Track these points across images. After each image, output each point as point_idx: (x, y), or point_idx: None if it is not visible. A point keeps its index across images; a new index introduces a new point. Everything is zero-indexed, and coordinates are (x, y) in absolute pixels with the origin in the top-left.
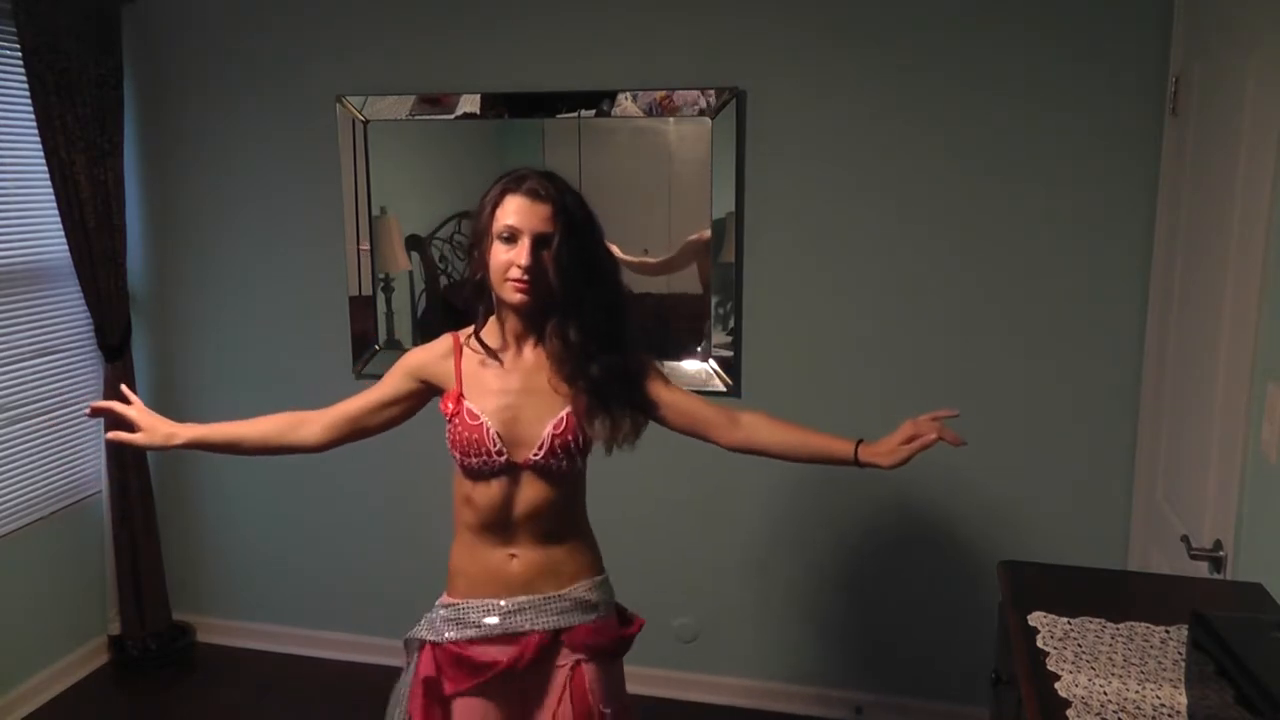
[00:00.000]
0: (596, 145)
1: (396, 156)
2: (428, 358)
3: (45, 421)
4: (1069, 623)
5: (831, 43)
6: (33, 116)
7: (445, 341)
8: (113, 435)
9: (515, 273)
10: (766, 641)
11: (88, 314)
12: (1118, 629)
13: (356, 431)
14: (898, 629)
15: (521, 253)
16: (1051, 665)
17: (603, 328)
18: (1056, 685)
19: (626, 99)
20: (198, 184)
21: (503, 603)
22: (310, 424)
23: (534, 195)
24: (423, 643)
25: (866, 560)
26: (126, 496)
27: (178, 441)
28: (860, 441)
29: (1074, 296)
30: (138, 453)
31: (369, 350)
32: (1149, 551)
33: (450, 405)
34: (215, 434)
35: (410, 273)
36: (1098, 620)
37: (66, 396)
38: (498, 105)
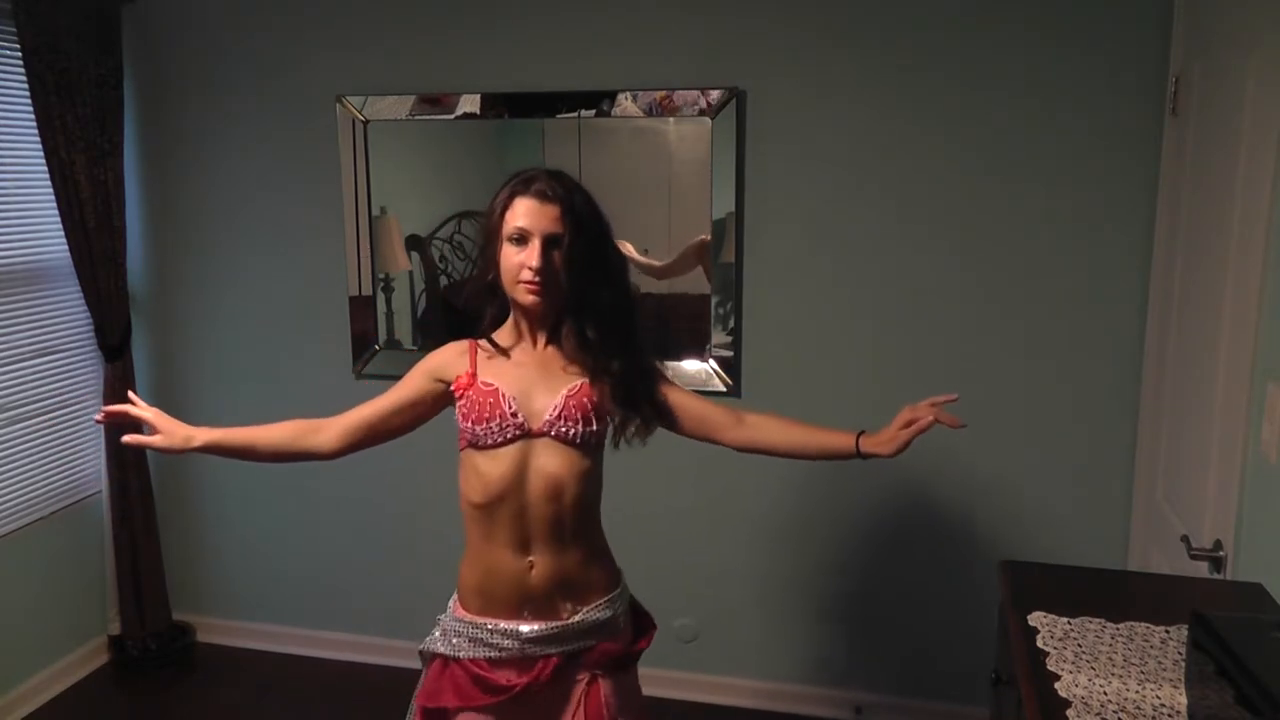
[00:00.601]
0: (596, 145)
1: (396, 156)
2: (446, 357)
3: (45, 421)
4: (1069, 623)
5: (831, 43)
6: (33, 116)
7: (460, 344)
8: (130, 438)
9: (527, 275)
10: (767, 641)
11: (88, 314)
12: (1118, 629)
13: (372, 436)
14: (898, 629)
15: (532, 254)
16: (1051, 665)
17: (615, 326)
18: (1056, 685)
19: (626, 99)
20: (198, 184)
21: (523, 629)
22: (325, 430)
23: (542, 196)
24: (434, 655)
25: (866, 560)
26: (126, 496)
27: (195, 444)
28: (862, 433)
29: (1074, 296)
30: (138, 453)
31: (369, 350)
32: (1149, 551)
33: (464, 380)
34: (231, 438)
35: (410, 273)
36: (1098, 620)
37: (66, 396)
38: (498, 105)
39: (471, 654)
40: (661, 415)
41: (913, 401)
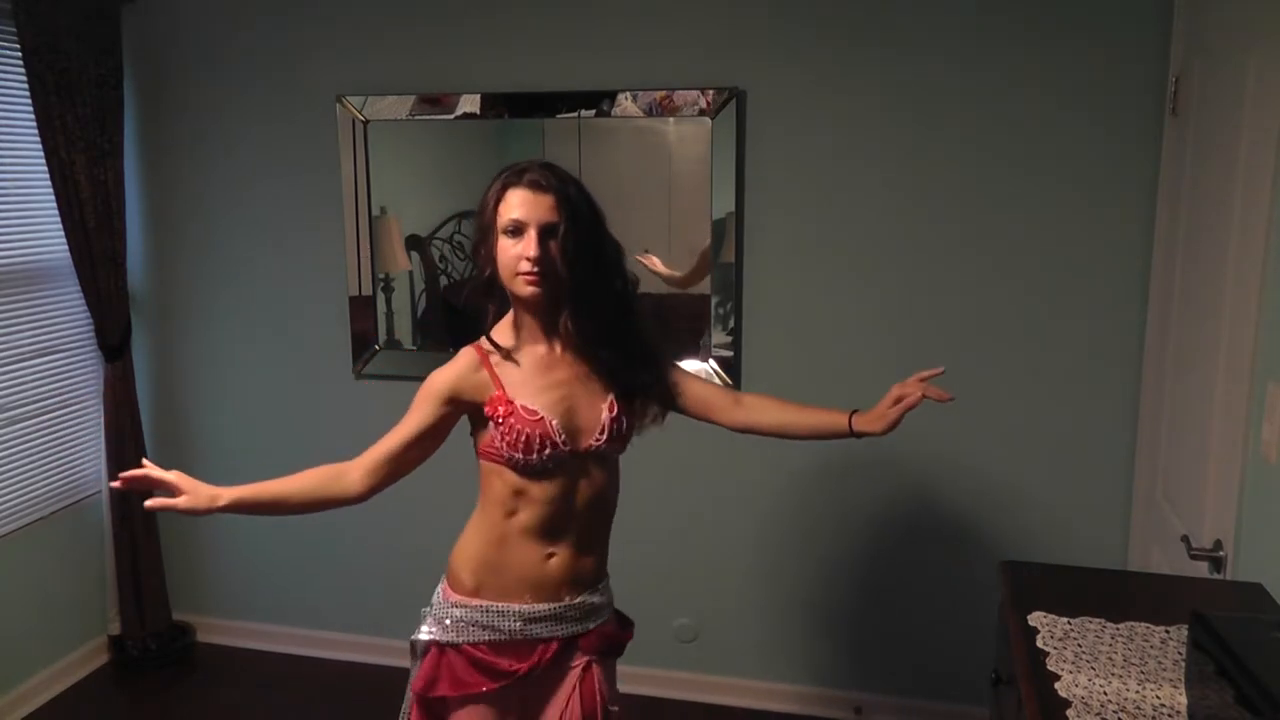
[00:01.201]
0: (596, 145)
1: (396, 156)
2: (454, 378)
3: (45, 421)
4: (1069, 623)
5: (832, 43)
6: (33, 116)
7: (468, 356)
8: (154, 503)
9: (525, 265)
10: (766, 641)
11: (88, 314)
12: (1118, 629)
13: (397, 471)
14: (898, 629)
15: (529, 245)
16: (1051, 665)
17: (614, 314)
18: (1056, 685)
19: (626, 99)
20: (198, 184)
21: (525, 609)
22: (349, 473)
23: (536, 187)
24: (430, 645)
25: (866, 560)
26: (126, 496)
27: (221, 503)
28: (854, 412)
29: (1074, 296)
30: (137, 453)
31: (369, 350)
32: (1149, 551)
33: (500, 408)
34: (258, 494)
35: (410, 273)
36: (1098, 620)
37: (66, 396)
38: (498, 105)
39: (473, 638)
40: (671, 398)
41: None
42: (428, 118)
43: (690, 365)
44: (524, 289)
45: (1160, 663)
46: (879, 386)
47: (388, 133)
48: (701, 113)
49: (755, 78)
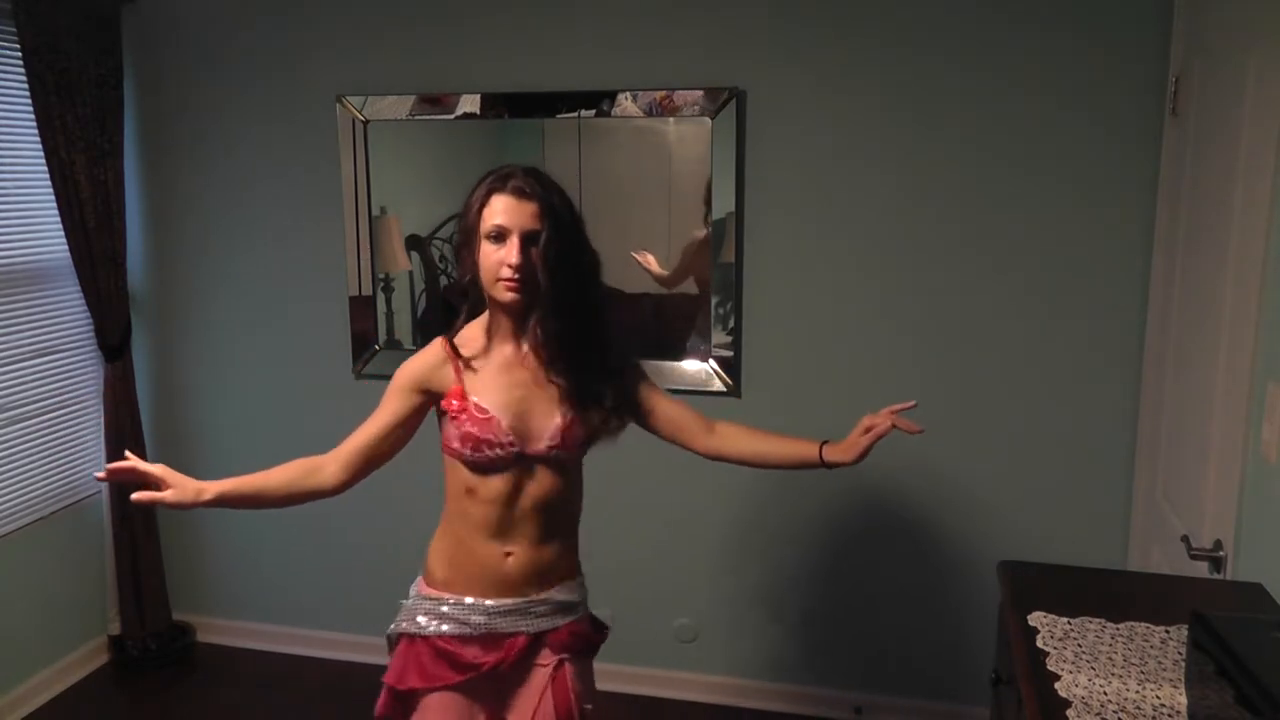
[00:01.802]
0: (596, 145)
1: (396, 156)
2: (423, 368)
3: (45, 421)
4: (1069, 623)
5: (831, 42)
6: (33, 116)
7: (436, 348)
8: (140, 496)
9: (506, 272)
10: (766, 641)
11: (88, 314)
12: (1118, 629)
13: (372, 462)
14: (898, 629)
15: (511, 251)
16: (1051, 665)
17: (585, 323)
18: (1056, 685)
19: (626, 99)
20: (198, 184)
21: (489, 603)
22: (326, 467)
23: (520, 194)
24: (400, 636)
25: (866, 560)
26: (126, 497)
27: (206, 497)
28: (825, 442)
29: (1074, 296)
30: (137, 453)
31: (369, 350)
32: (1149, 551)
33: (455, 402)
34: (241, 487)
35: (410, 273)
36: (1098, 620)
37: (66, 396)
38: (498, 105)
39: (438, 630)
40: (632, 413)
41: (912, 397)
42: (428, 118)
43: (690, 365)
44: (504, 295)
45: (1160, 663)
46: (879, 386)
47: (388, 133)
48: (701, 113)
49: (755, 78)
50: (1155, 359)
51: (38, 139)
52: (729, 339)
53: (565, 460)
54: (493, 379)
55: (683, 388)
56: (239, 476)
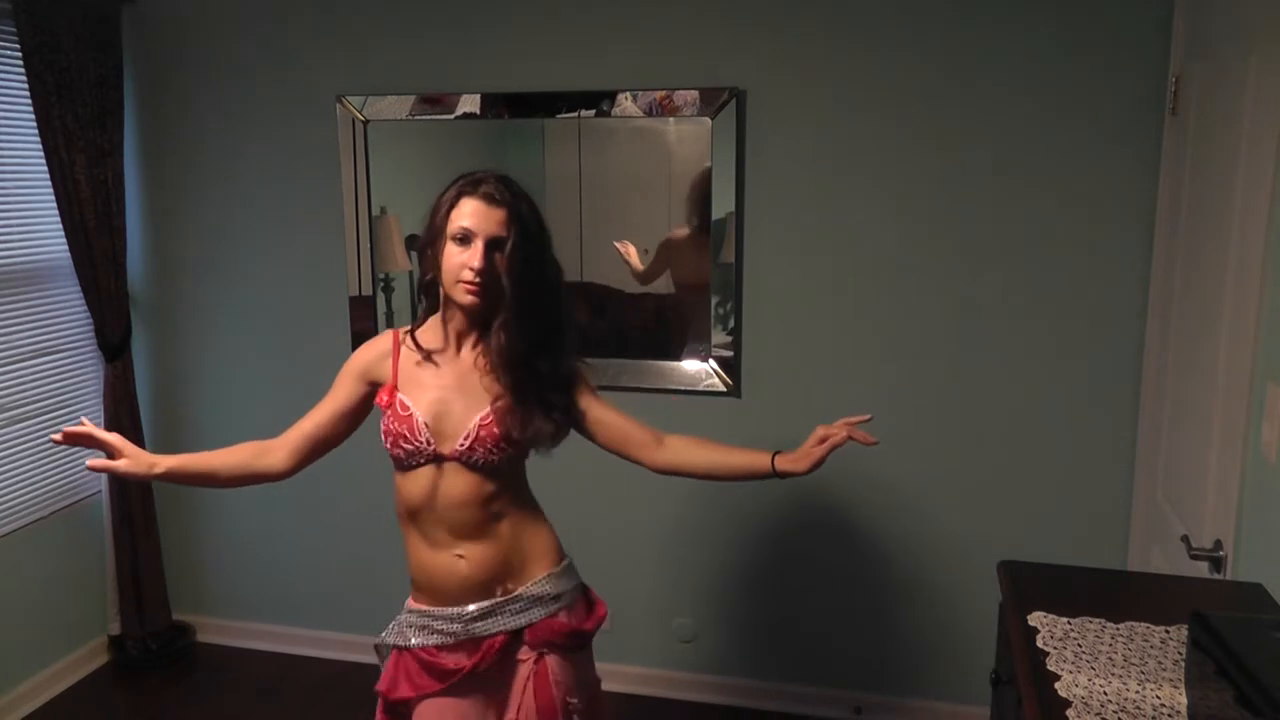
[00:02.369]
0: (596, 145)
1: (396, 156)
2: (370, 358)
3: (45, 421)
4: (1069, 623)
5: (831, 43)
6: (33, 116)
7: (385, 340)
8: (96, 464)
9: (468, 275)
10: (766, 641)
11: (88, 314)
12: (1118, 629)
13: (320, 448)
14: (898, 629)
15: (475, 255)
16: (1051, 665)
17: (542, 333)
18: (1056, 685)
19: (626, 99)
20: (198, 184)
21: (470, 608)
22: (274, 451)
23: (489, 199)
24: (390, 648)
25: (866, 560)
26: (126, 496)
27: (159, 470)
28: (777, 452)
29: (1074, 296)
30: None
31: None
32: (1149, 551)
33: (384, 397)
34: (191, 464)
35: (410, 273)
36: (1098, 620)
37: (66, 396)
38: (498, 105)
39: (421, 641)
40: (577, 425)
41: (912, 401)
42: (428, 118)
43: (690, 365)
44: (464, 297)
45: (1160, 663)
46: (879, 386)
47: (388, 133)
48: (701, 113)
49: (755, 78)
50: (1155, 359)
51: (38, 139)
52: (729, 339)
53: (482, 463)
54: (424, 377)
55: (682, 388)
56: (191, 454)
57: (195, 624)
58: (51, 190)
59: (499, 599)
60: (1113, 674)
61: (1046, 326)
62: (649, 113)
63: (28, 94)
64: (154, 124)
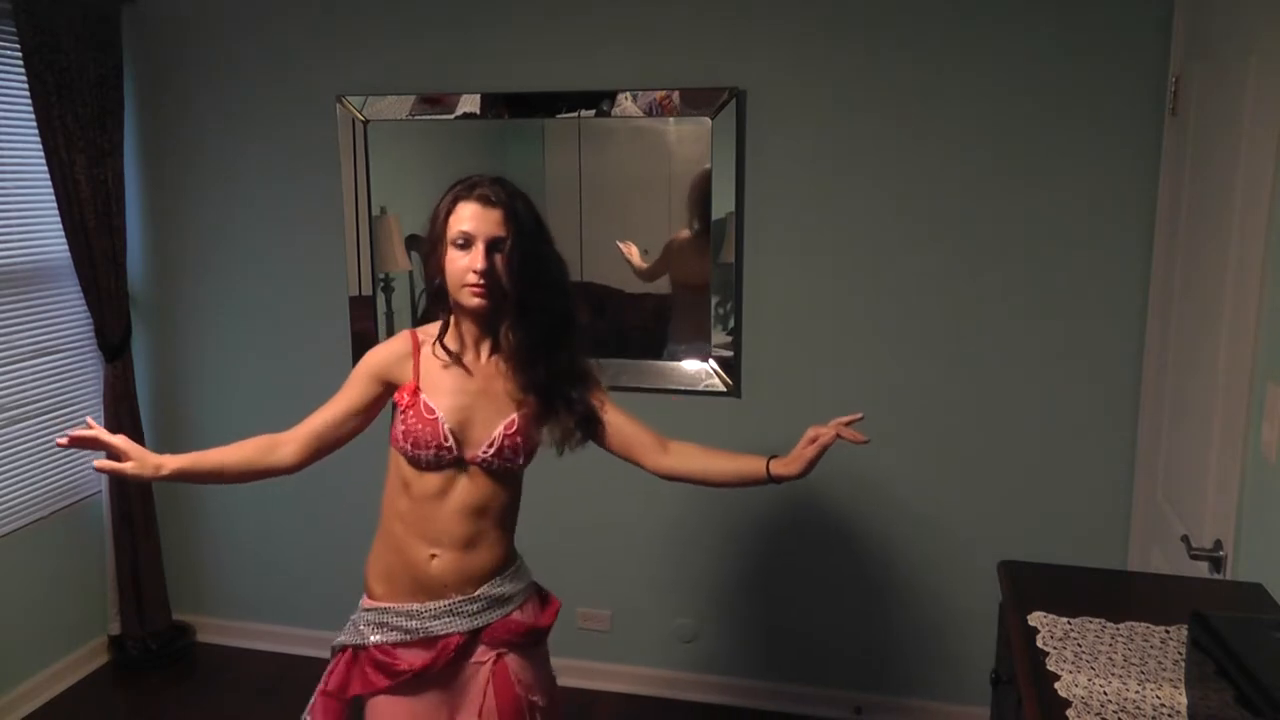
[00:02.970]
0: (596, 145)
1: (396, 156)
2: (387, 358)
3: (45, 421)
4: (1069, 623)
5: (832, 43)
6: (33, 116)
7: (404, 340)
8: (102, 465)
9: (471, 278)
10: (766, 641)
11: (88, 314)
12: (1118, 629)
13: (328, 445)
14: (898, 629)
15: (476, 258)
16: (1051, 665)
17: (553, 329)
18: (1056, 685)
19: (626, 99)
20: (198, 184)
21: (418, 606)
22: (283, 446)
23: (485, 201)
24: (343, 647)
25: (866, 560)
26: (126, 496)
27: (165, 471)
28: (772, 457)
29: (1074, 296)
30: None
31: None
32: (1149, 551)
33: (406, 397)
34: (199, 463)
35: (410, 273)
36: (1098, 620)
37: (66, 396)
38: (498, 105)
39: (380, 639)
40: (591, 420)
41: (912, 400)
42: (428, 118)
43: (690, 365)
44: (470, 300)
45: (1160, 663)
46: (880, 386)
47: (388, 133)
48: (701, 113)
49: (755, 78)
50: (1155, 359)
51: (38, 139)
52: (729, 339)
53: (500, 469)
54: (448, 380)
55: (682, 388)
56: (197, 453)
57: (195, 624)
58: (51, 190)
59: (456, 599)
60: (1113, 674)
61: (1046, 326)
62: (649, 113)
63: (28, 94)
64: (154, 124)
